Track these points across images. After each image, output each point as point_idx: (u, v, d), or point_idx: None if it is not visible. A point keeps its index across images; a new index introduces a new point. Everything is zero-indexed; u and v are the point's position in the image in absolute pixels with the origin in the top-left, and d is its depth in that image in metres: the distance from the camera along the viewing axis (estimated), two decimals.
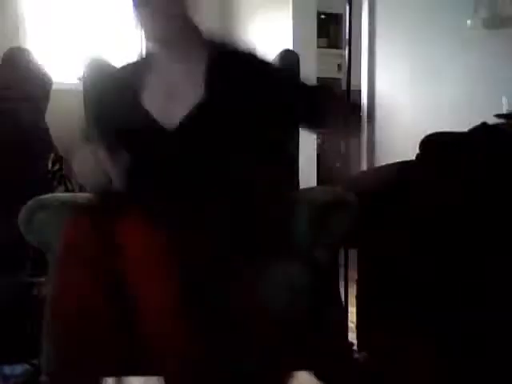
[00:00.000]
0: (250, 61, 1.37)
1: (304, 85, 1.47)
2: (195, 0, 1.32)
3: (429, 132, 1.72)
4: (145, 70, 1.39)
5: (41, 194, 1.47)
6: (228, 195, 1.31)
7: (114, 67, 1.81)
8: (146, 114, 1.32)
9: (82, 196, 1.53)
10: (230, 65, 1.34)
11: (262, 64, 1.39)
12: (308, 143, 3.41)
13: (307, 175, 3.24)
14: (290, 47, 3.50)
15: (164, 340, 1.17)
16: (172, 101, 1.30)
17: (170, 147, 1.31)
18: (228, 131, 1.30)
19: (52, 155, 3.10)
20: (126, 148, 1.34)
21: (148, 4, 1.25)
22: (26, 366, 1.53)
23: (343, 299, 1.92)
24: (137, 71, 1.40)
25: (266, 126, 1.36)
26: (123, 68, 1.48)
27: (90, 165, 1.22)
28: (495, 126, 1.82)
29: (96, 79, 1.55)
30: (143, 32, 1.34)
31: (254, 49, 1.37)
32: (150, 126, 1.31)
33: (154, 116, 1.31)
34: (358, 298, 1.84)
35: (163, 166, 1.31)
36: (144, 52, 1.46)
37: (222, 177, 1.31)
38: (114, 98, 1.38)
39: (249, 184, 1.34)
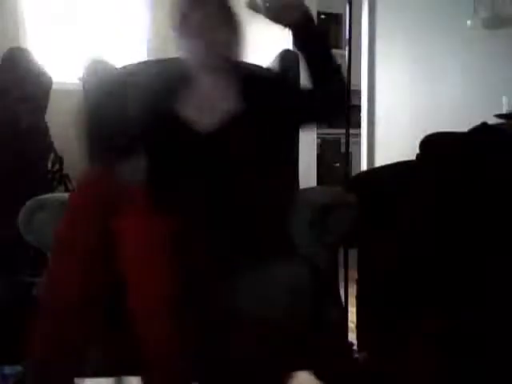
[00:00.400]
0: (271, 80, 1.62)
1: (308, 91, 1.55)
2: (243, 33, 1.51)
3: (429, 132, 1.72)
4: (179, 80, 1.53)
5: (41, 194, 1.47)
6: (242, 195, 1.39)
7: (115, 68, 1.82)
8: (182, 119, 1.46)
9: None
10: (256, 84, 1.54)
11: (278, 80, 1.64)
12: (308, 143, 3.41)
13: (307, 175, 3.24)
14: (290, 47, 3.50)
15: (160, 338, 1.17)
16: (207, 111, 1.46)
17: (202, 149, 1.43)
18: (251, 137, 1.45)
19: (52, 155, 3.11)
20: (152, 149, 1.45)
21: (202, 36, 1.42)
22: (18, 368, 1.53)
23: (343, 299, 1.92)
24: (170, 79, 1.55)
25: (280, 133, 1.51)
26: (148, 73, 1.62)
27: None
28: (495, 125, 1.82)
29: (116, 82, 1.62)
30: (189, 57, 1.49)
31: (273, 71, 1.62)
32: (185, 129, 1.45)
33: (190, 122, 1.46)
34: (357, 298, 1.84)
35: (192, 165, 1.42)
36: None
37: (241, 177, 1.42)
38: (143, 102, 1.49)
39: (261, 186, 1.44)
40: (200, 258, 1.29)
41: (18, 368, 1.47)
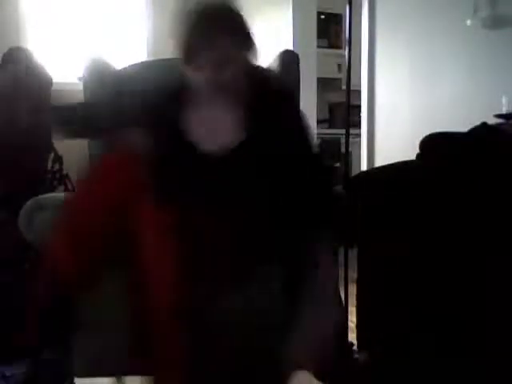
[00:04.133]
0: (285, 109, 1.45)
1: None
2: (255, 50, 1.43)
3: (429, 132, 1.72)
4: (186, 100, 1.42)
5: (41, 194, 1.47)
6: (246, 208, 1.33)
7: (115, 68, 1.82)
8: (189, 140, 1.37)
9: None
10: (267, 107, 1.41)
11: (295, 117, 1.47)
12: None
13: None
14: (290, 47, 3.51)
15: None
16: (214, 133, 1.37)
17: (209, 171, 1.35)
18: (257, 163, 1.37)
19: (52, 155, 3.11)
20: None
21: (213, 50, 1.32)
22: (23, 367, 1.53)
23: (343, 299, 1.92)
24: (177, 99, 1.43)
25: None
26: (158, 95, 1.48)
27: None
28: (495, 126, 1.82)
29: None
30: (200, 72, 1.37)
31: (291, 94, 1.52)
32: (192, 151, 1.36)
33: (197, 143, 1.37)
34: (357, 298, 1.84)
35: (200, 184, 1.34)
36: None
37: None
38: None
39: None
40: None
41: (19, 368, 1.48)
